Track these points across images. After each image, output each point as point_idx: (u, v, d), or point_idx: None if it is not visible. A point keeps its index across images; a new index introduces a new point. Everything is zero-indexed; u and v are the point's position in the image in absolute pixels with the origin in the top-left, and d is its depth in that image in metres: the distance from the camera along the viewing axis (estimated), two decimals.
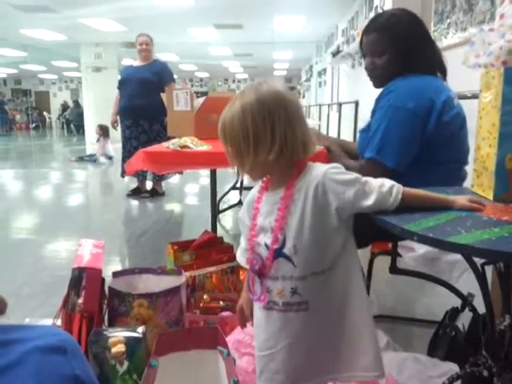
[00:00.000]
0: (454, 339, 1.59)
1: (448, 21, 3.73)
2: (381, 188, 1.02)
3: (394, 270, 1.69)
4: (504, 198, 1.16)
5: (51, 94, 24.28)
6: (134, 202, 5.03)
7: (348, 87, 8.08)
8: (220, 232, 3.32)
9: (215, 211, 3.15)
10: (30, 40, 11.23)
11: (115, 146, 8.11)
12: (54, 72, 20.59)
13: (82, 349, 1.36)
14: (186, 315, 1.73)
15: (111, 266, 2.78)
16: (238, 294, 1.27)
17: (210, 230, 2.74)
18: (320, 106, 11.87)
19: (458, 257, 1.43)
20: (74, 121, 19.09)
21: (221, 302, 1.90)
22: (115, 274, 1.79)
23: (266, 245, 1.06)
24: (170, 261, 2.17)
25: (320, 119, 11.36)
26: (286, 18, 8.67)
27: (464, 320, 1.63)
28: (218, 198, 3.75)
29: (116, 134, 5.97)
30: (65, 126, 20.41)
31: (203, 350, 1.41)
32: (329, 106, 9.68)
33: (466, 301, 1.68)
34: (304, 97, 17.96)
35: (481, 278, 1.22)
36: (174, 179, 6.10)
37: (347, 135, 6.73)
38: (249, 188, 1.19)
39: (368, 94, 4.37)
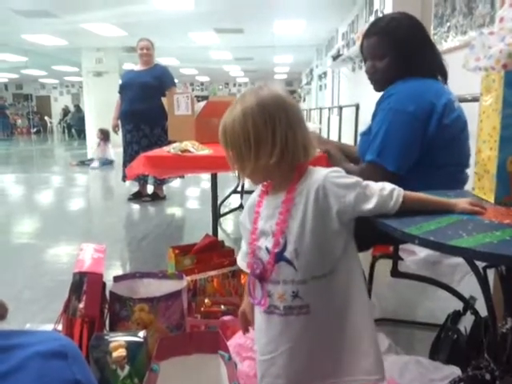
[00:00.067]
0: (456, 342, 1.59)
1: (448, 24, 3.73)
2: (381, 191, 1.02)
3: (395, 273, 1.69)
4: (505, 201, 1.16)
5: (52, 98, 24.34)
6: (135, 206, 5.03)
7: (348, 90, 8.08)
8: (221, 236, 3.32)
9: (216, 215, 3.16)
10: (32, 45, 11.27)
11: (116, 151, 8.11)
12: (55, 77, 20.65)
13: (83, 353, 1.36)
14: (187, 319, 1.72)
15: (112, 271, 2.78)
16: (240, 298, 1.27)
17: (211, 233, 2.73)
18: (321, 109, 11.89)
19: (460, 260, 1.43)
20: (75, 125, 19.11)
21: (222, 306, 1.89)
22: (116, 279, 1.78)
23: (267, 249, 1.06)
24: (171, 265, 2.17)
25: (321, 122, 11.36)
26: (286, 21, 8.69)
27: (466, 323, 1.63)
28: (218, 202, 3.75)
29: (117, 138, 5.98)
30: (66, 131, 20.44)
31: (204, 355, 1.41)
32: (329, 109, 9.69)
33: (468, 304, 1.67)
34: (305, 100, 17.98)
35: (483, 281, 1.22)
36: (175, 183, 6.10)
37: (348, 138, 6.74)
38: (250, 192, 1.19)
39: (368, 97, 4.37)
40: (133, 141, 4.94)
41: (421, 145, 1.53)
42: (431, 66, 1.66)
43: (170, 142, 2.56)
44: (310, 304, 1.05)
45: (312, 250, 1.03)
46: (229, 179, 5.09)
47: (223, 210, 4.34)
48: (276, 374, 1.09)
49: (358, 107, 6.36)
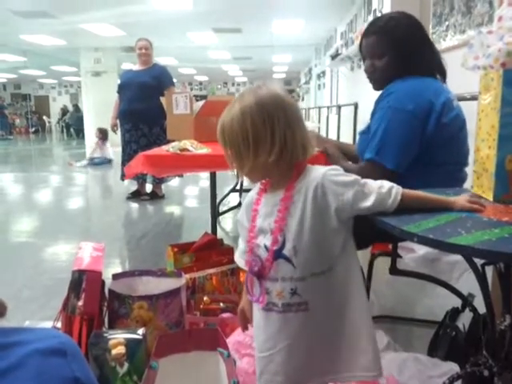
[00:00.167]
0: (454, 339, 1.59)
1: (446, 23, 3.74)
2: (380, 189, 1.02)
3: (394, 271, 1.69)
4: (504, 199, 1.16)
5: (51, 98, 24.30)
6: (134, 205, 5.03)
7: (347, 89, 8.09)
8: (220, 234, 3.32)
9: (215, 213, 3.16)
10: (30, 45, 11.25)
11: (115, 150, 8.11)
12: (53, 77, 20.61)
13: (83, 351, 1.36)
14: (186, 317, 1.73)
15: (111, 269, 2.77)
16: (238, 295, 1.28)
17: (209, 232, 2.74)
18: (319, 108, 11.88)
19: (458, 257, 1.43)
20: (73, 125, 19.09)
21: (221, 304, 1.90)
22: (115, 277, 1.79)
23: (266, 246, 1.07)
24: (170, 263, 2.17)
25: (319, 121, 11.37)
26: (284, 21, 8.68)
27: (464, 320, 1.63)
28: (217, 201, 3.76)
29: (116, 137, 5.97)
30: (64, 130, 20.41)
31: (203, 352, 1.41)
32: (328, 108, 9.69)
33: (467, 301, 1.68)
34: (303, 99, 17.98)
35: (481, 278, 1.22)
36: (174, 182, 6.10)
37: (347, 137, 6.74)
38: (248, 190, 1.20)
39: (367, 96, 4.37)
40: (131, 140, 4.94)
41: (419, 143, 1.53)
42: (430, 64, 1.66)
43: (168, 141, 2.57)
44: (308, 301, 1.06)
45: (310, 248, 1.03)
46: (227, 178, 5.09)
47: (222, 208, 4.34)
48: (274, 371, 1.09)
49: (356, 106, 6.36)
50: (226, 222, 4.20)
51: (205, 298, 1.90)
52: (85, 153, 10.59)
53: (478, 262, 1.22)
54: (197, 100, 2.88)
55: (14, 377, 0.73)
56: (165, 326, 1.63)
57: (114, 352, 1.37)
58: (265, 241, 1.07)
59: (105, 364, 1.38)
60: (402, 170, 1.53)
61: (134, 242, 3.56)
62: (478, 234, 0.89)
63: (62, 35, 10.14)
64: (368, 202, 1.01)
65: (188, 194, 6.00)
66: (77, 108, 19.19)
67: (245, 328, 1.26)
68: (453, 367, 1.50)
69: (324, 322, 1.07)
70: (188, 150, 2.13)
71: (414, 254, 1.59)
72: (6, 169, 8.80)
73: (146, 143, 4.82)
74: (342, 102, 8.12)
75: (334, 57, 7.82)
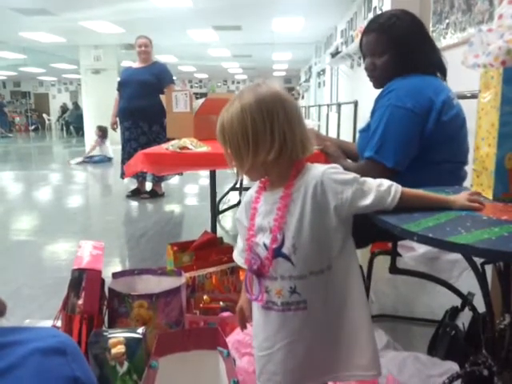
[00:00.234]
0: (454, 338, 1.59)
1: (447, 21, 3.73)
2: (379, 187, 1.03)
3: (393, 269, 1.69)
4: (503, 197, 1.16)
5: (50, 96, 24.25)
6: (134, 203, 5.03)
7: (347, 87, 8.08)
8: (220, 233, 3.32)
9: (215, 212, 3.16)
10: (30, 43, 11.23)
11: (115, 148, 8.11)
12: (53, 74, 20.58)
13: (82, 350, 1.36)
14: (186, 316, 1.73)
15: (111, 267, 2.77)
16: (238, 294, 1.28)
17: (209, 230, 2.74)
18: (319, 106, 11.88)
19: (458, 256, 1.43)
20: (73, 123, 19.07)
21: (221, 303, 1.90)
22: (115, 275, 1.78)
23: (265, 245, 1.07)
24: (170, 261, 2.17)
25: (319, 119, 11.36)
26: (284, 19, 8.67)
27: (464, 319, 1.63)
28: (217, 199, 3.76)
29: (116, 135, 5.97)
30: (64, 128, 20.39)
31: (203, 351, 1.41)
32: (328, 106, 9.68)
33: (466, 300, 1.68)
34: (303, 97, 17.96)
35: (481, 277, 1.22)
36: (174, 180, 6.10)
37: (347, 135, 6.74)
38: (248, 188, 1.20)
39: (367, 94, 4.37)
40: (131, 138, 4.94)
41: (419, 141, 1.53)
42: (430, 62, 1.66)
43: (168, 140, 2.57)
44: (307, 300, 1.06)
45: (310, 246, 1.03)
46: (227, 176, 5.09)
47: (222, 206, 4.34)
48: (273, 370, 1.09)
49: (356, 104, 6.36)
50: (226, 220, 4.20)
51: (205, 297, 1.90)
52: (85, 151, 10.59)
53: (478, 260, 1.22)
54: (197, 98, 2.88)
55: (14, 376, 0.73)
56: (165, 325, 1.63)
57: (113, 351, 1.37)
58: (264, 239, 1.07)
59: (105, 363, 1.38)
60: (402, 168, 1.53)
61: (134, 240, 3.56)
62: (477, 233, 0.89)
63: (62, 32, 10.12)
64: (367, 200, 1.01)
65: (188, 192, 5.99)
66: (76, 106, 19.16)
67: (243, 327, 1.26)
68: (452, 366, 1.50)
69: (323, 321, 1.07)
70: (188, 148, 2.13)
71: (413, 252, 1.59)
72: (5, 167, 8.79)
73: (145, 141, 4.82)
74: (342, 100, 8.11)
75: (334, 55, 7.81)
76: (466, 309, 1.67)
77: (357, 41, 5.38)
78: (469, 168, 1.51)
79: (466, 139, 1.63)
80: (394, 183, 1.05)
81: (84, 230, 4.01)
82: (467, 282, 1.55)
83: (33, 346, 0.77)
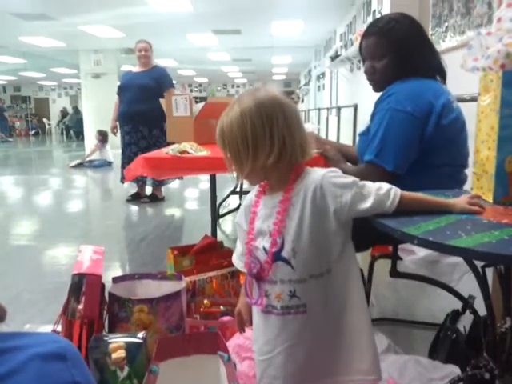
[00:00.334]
0: (455, 342, 1.59)
1: (446, 24, 3.74)
2: (378, 191, 1.03)
3: (394, 273, 1.69)
4: (504, 200, 1.16)
5: (51, 100, 24.30)
6: (134, 208, 5.03)
7: (347, 91, 8.09)
8: (220, 237, 3.32)
9: (215, 216, 3.16)
10: (30, 47, 11.26)
11: (115, 152, 8.11)
12: (53, 79, 20.62)
13: (83, 355, 1.36)
14: (187, 320, 1.72)
15: (111, 272, 2.77)
16: (238, 298, 1.27)
17: (209, 234, 2.73)
18: (319, 109, 11.89)
19: (459, 259, 1.43)
20: (73, 127, 19.10)
21: (221, 307, 1.89)
22: (115, 280, 1.78)
23: (265, 248, 1.07)
24: (170, 266, 2.17)
25: (319, 123, 11.37)
26: (284, 23, 8.68)
27: (465, 322, 1.63)
28: (217, 203, 3.76)
29: (116, 139, 5.97)
30: (64, 133, 20.41)
31: (204, 355, 1.41)
32: (328, 109, 9.69)
33: (467, 303, 1.68)
34: (303, 101, 17.98)
35: (481, 280, 1.22)
36: (174, 184, 6.10)
37: (346, 139, 6.74)
38: (248, 192, 1.20)
39: (367, 97, 4.37)
40: (131, 142, 4.94)
41: (419, 145, 1.53)
42: (430, 66, 1.66)
43: (168, 144, 2.57)
44: (307, 303, 1.06)
45: (309, 250, 1.03)
46: (227, 180, 5.09)
47: (222, 210, 4.34)
48: (273, 374, 1.09)
49: (356, 107, 6.36)
50: (226, 224, 4.19)
51: (205, 301, 1.90)
52: (84, 155, 10.60)
53: (479, 264, 1.22)
54: (196, 102, 2.88)
55: (14, 382, 0.73)
56: (165, 330, 1.62)
57: (114, 356, 1.37)
58: (264, 243, 1.08)
59: (105, 368, 1.38)
60: (402, 171, 1.53)
61: (134, 244, 3.55)
62: (478, 237, 0.89)
63: (62, 37, 10.14)
64: (366, 204, 1.01)
65: (188, 196, 5.99)
66: (76, 110, 19.19)
67: (242, 330, 1.26)
68: (454, 370, 1.49)
69: (323, 325, 1.07)
70: (188, 153, 2.13)
71: (414, 255, 1.59)
72: (5, 171, 8.79)
73: (145, 145, 4.82)
74: (342, 103, 8.12)
75: (333, 58, 7.83)
76: (467, 312, 1.66)
77: (356, 44, 5.40)
78: (469, 171, 1.51)
79: (466, 142, 1.63)
80: (394, 187, 1.05)
81: (84, 234, 4.01)
82: (468, 285, 1.55)
83: (33, 351, 0.77)
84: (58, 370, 0.77)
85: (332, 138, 8.00)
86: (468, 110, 1.67)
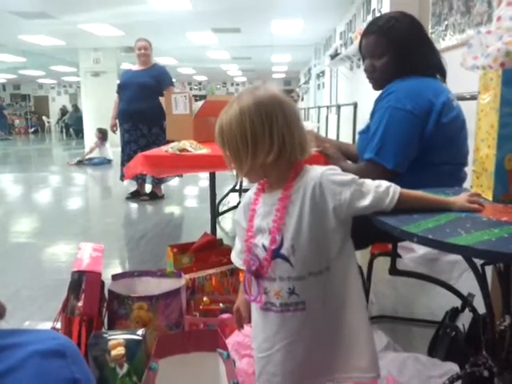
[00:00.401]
0: (454, 339, 1.59)
1: (446, 23, 3.74)
2: (377, 188, 1.03)
3: (393, 271, 1.69)
4: (503, 198, 1.16)
5: (50, 98, 24.27)
6: (134, 205, 5.03)
7: (347, 89, 8.09)
8: (219, 234, 3.32)
9: (215, 213, 3.16)
10: (29, 46, 11.24)
11: (114, 150, 8.11)
12: (52, 77, 20.60)
13: (82, 352, 1.36)
14: (186, 318, 1.73)
15: (111, 269, 2.77)
16: (237, 296, 1.28)
17: (209, 232, 2.74)
18: (319, 108, 11.89)
19: (458, 257, 1.43)
20: (73, 125, 19.07)
21: (220, 304, 1.90)
22: (115, 277, 1.78)
23: (264, 246, 1.07)
24: (170, 263, 2.17)
25: (319, 121, 11.37)
26: (283, 21, 8.68)
27: (464, 320, 1.63)
28: (217, 201, 3.76)
29: (115, 137, 5.97)
30: (64, 131, 20.39)
31: (203, 353, 1.41)
32: (328, 108, 9.69)
33: (466, 301, 1.68)
34: (303, 99, 17.97)
35: (481, 278, 1.22)
36: (174, 182, 6.10)
37: (346, 137, 6.74)
38: (248, 190, 1.20)
39: (367, 95, 4.37)
40: (131, 140, 4.94)
41: (419, 143, 1.53)
42: (430, 64, 1.66)
43: (168, 142, 2.56)
44: (306, 301, 1.06)
45: (308, 247, 1.04)
46: (227, 178, 5.09)
47: (222, 208, 4.34)
48: (272, 371, 1.09)
49: (356, 106, 6.36)
50: (226, 222, 4.19)
51: (204, 299, 1.90)
52: (83, 153, 10.60)
53: (478, 261, 1.22)
54: (196, 100, 2.87)
55: (14, 378, 0.73)
56: (164, 327, 1.63)
57: (113, 353, 1.37)
58: (263, 240, 1.08)
59: (104, 365, 1.38)
60: (402, 170, 1.53)
61: (134, 242, 3.55)
62: (477, 234, 0.89)
63: (61, 35, 10.13)
64: (365, 201, 1.02)
65: (187, 194, 5.99)
66: (76, 108, 19.18)
67: (240, 327, 1.26)
68: (453, 367, 1.50)
69: (322, 323, 1.07)
70: (187, 151, 2.13)
71: (413, 253, 1.59)
72: (5, 169, 8.79)
73: (145, 143, 4.82)
74: (342, 101, 8.12)
75: (333, 57, 7.82)
76: (466, 310, 1.66)
77: (356, 43, 5.39)
78: (469, 169, 1.51)
79: (466, 141, 1.63)
80: (393, 184, 1.05)
81: (84, 232, 4.01)
82: (467, 283, 1.55)
83: (32, 348, 0.77)
84: (57, 366, 0.78)
85: (332, 136, 7.99)
86: (468, 109, 1.67)
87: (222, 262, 2.08)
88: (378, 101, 1.64)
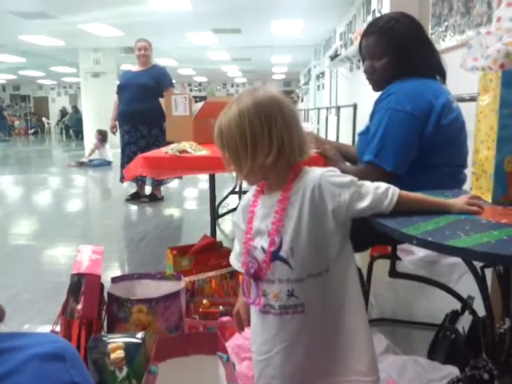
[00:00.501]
0: (454, 342, 1.59)
1: (445, 24, 3.74)
2: (376, 190, 1.03)
3: (393, 273, 1.69)
4: (503, 200, 1.16)
5: (50, 99, 24.27)
6: (133, 207, 5.03)
7: (346, 90, 8.09)
8: (219, 237, 3.32)
9: (214, 216, 3.15)
10: (29, 46, 11.24)
11: (114, 152, 8.11)
12: (52, 77, 20.60)
13: (81, 355, 1.36)
14: (186, 320, 1.72)
15: (110, 272, 2.77)
16: (237, 298, 1.28)
17: (209, 234, 2.73)
18: (319, 109, 11.88)
19: (458, 259, 1.43)
20: (72, 126, 19.08)
21: (220, 307, 1.89)
22: (114, 280, 1.78)
23: (263, 248, 1.07)
24: (170, 266, 2.17)
25: (319, 122, 11.36)
26: (283, 22, 8.68)
27: (464, 323, 1.63)
28: (217, 203, 3.75)
29: (115, 139, 5.97)
30: (63, 132, 20.40)
31: (203, 356, 1.41)
32: (327, 109, 9.69)
33: (466, 304, 1.67)
34: (303, 100, 17.97)
35: (480, 280, 1.22)
36: (173, 184, 6.10)
37: (346, 138, 6.74)
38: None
39: (366, 97, 4.37)
40: (130, 141, 4.94)
41: (419, 144, 1.53)
42: (430, 65, 1.66)
43: (167, 143, 2.56)
44: (305, 303, 1.06)
45: (307, 249, 1.03)
46: (227, 180, 5.07)
47: (221, 210, 4.34)
48: (271, 374, 1.09)
49: (355, 107, 6.36)
50: (226, 224, 4.19)
51: (204, 302, 1.90)
52: (84, 154, 10.59)
53: (478, 264, 1.22)
54: (196, 101, 2.87)
55: (13, 382, 0.73)
56: (164, 330, 1.62)
57: (112, 356, 1.37)
58: (262, 242, 1.08)
59: (104, 368, 1.38)
60: (402, 171, 1.53)
61: (133, 244, 3.55)
62: (477, 237, 0.89)
63: (61, 36, 10.13)
64: (364, 203, 1.01)
65: (187, 196, 5.99)
66: (76, 109, 19.19)
67: (241, 329, 1.26)
68: (452, 370, 1.49)
69: (320, 325, 1.07)
70: (187, 152, 2.13)
71: (413, 256, 1.59)
72: (5, 171, 8.79)
73: (145, 145, 4.82)
74: (341, 102, 8.12)
75: (333, 58, 7.82)
76: (466, 312, 1.66)
77: (356, 43, 5.39)
78: (468, 171, 1.51)
79: (466, 142, 1.62)
80: (392, 186, 1.05)
81: (83, 234, 4.01)
82: (467, 285, 1.55)
83: (32, 351, 0.77)
84: (56, 370, 0.77)
85: (331, 137, 7.99)
86: (467, 110, 1.67)
87: (221, 264, 2.07)
88: (377, 102, 1.64)
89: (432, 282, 1.74)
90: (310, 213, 1.03)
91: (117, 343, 1.40)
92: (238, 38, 10.45)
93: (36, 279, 2.77)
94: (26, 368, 0.75)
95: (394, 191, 1.04)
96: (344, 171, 1.09)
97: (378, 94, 1.67)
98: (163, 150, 2.26)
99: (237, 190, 4.51)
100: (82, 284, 1.59)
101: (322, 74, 11.41)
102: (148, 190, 5.32)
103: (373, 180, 1.07)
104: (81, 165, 8.89)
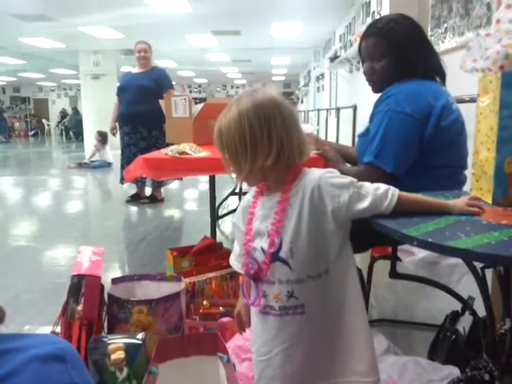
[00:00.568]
0: (454, 343, 1.58)
1: (445, 25, 3.74)
2: (376, 191, 1.03)
3: (393, 274, 1.69)
4: (503, 201, 1.16)
5: (50, 101, 24.28)
6: (133, 209, 5.03)
7: (346, 92, 8.09)
8: (219, 238, 3.32)
9: (214, 217, 3.16)
10: (29, 48, 11.26)
11: (114, 153, 8.11)
12: (52, 79, 20.61)
13: (82, 356, 1.36)
14: (186, 321, 1.72)
15: (110, 273, 2.77)
16: (238, 299, 1.28)
17: (209, 235, 2.73)
18: (318, 110, 11.89)
19: (458, 260, 1.43)
20: (72, 128, 19.09)
21: (220, 308, 1.89)
22: (114, 281, 1.78)
23: (263, 249, 1.07)
24: (170, 267, 2.17)
25: (318, 124, 11.37)
26: (283, 24, 8.69)
27: (464, 323, 1.63)
28: (217, 204, 3.75)
29: (115, 140, 5.97)
30: (64, 133, 20.40)
31: (203, 357, 1.41)
32: (327, 110, 9.70)
33: (467, 304, 1.68)
34: (302, 102, 17.98)
35: (481, 281, 1.22)
36: (174, 185, 6.10)
37: (346, 140, 6.74)
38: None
39: (366, 98, 4.38)
40: (131, 143, 4.94)
41: (419, 146, 1.53)
42: (429, 66, 1.66)
43: (167, 145, 2.56)
44: (305, 304, 1.06)
45: (307, 250, 1.04)
46: (227, 181, 5.07)
47: (221, 211, 4.34)
48: (271, 375, 1.09)
49: (355, 108, 6.37)
50: (226, 225, 4.19)
51: (204, 303, 1.90)
52: (84, 156, 10.59)
53: (478, 265, 1.22)
54: (196, 103, 2.87)
55: (14, 383, 0.73)
56: (164, 331, 1.62)
57: (113, 357, 1.37)
58: (261, 243, 1.08)
59: (104, 369, 1.38)
60: (401, 173, 1.53)
61: (134, 245, 3.55)
62: (477, 238, 0.89)
63: (61, 38, 10.14)
64: (364, 204, 1.02)
65: (187, 197, 5.99)
66: (76, 111, 19.20)
67: (242, 330, 1.26)
68: (453, 371, 1.49)
69: (320, 326, 1.07)
70: (187, 154, 2.13)
71: (413, 256, 1.59)
72: (5, 172, 8.79)
73: (145, 146, 4.82)
74: (341, 104, 8.13)
75: (332, 59, 7.83)
76: (467, 313, 1.66)
77: (355, 45, 5.40)
78: (468, 172, 1.51)
79: (466, 144, 1.63)
80: (392, 187, 1.05)
81: (83, 235, 4.01)
82: (467, 286, 1.55)
83: (32, 352, 0.77)
84: (57, 371, 0.77)
85: (331, 138, 8.00)
86: (467, 111, 1.67)
87: (221, 265, 2.07)
88: (377, 104, 1.64)
89: (432, 283, 1.74)
90: (309, 214, 1.03)
91: (117, 344, 1.40)
92: (237, 40, 10.46)
93: (36, 280, 2.77)
94: (26, 369, 0.75)
95: (393, 192, 1.04)
96: (344, 172, 1.09)
97: (378, 95, 1.67)
98: (163, 151, 2.26)
99: (237, 191, 4.50)
100: (83, 285, 1.59)
101: (322, 75, 11.42)
102: (148, 191, 5.33)
103: (373, 181, 1.07)
104: (81, 166, 8.89)
